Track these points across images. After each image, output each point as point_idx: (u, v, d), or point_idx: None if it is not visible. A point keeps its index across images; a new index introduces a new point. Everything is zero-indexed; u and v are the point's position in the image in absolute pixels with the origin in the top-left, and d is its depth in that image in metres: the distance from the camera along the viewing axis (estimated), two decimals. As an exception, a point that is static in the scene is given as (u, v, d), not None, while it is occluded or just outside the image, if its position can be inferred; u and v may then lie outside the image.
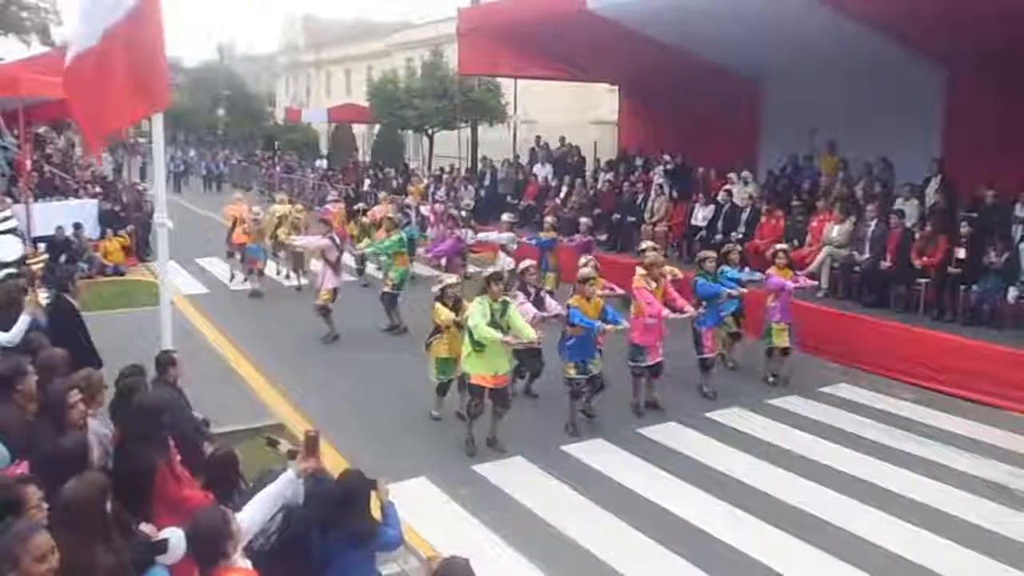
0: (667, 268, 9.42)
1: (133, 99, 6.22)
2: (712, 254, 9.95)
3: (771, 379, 10.14)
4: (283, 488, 4.12)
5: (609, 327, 8.22)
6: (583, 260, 9.90)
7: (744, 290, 9.74)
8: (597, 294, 8.60)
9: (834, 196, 13.73)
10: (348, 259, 14.35)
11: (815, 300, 11.77)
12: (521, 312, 8.40)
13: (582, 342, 8.39)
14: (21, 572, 2.98)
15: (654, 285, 8.96)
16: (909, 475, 7.67)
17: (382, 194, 19.99)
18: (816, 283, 11.13)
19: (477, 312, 7.68)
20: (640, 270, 9.12)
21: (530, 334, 7.82)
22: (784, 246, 10.83)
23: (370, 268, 16.72)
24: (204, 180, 38.22)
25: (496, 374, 7.85)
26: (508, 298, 7.99)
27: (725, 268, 9.93)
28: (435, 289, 8.69)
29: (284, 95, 54.90)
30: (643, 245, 10.38)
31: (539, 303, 8.83)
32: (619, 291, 9.66)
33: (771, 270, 10.14)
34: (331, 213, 17.70)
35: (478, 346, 7.76)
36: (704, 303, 9.43)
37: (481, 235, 14.24)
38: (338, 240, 12.51)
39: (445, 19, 28.44)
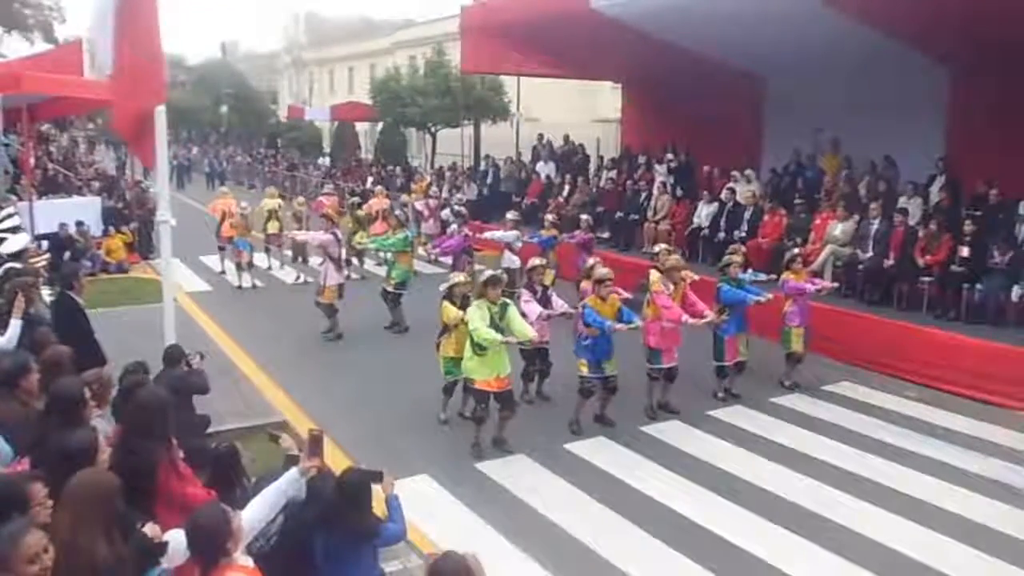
0: (686, 272, 9.25)
1: (133, 95, 6.28)
2: (737, 259, 9.74)
3: (787, 383, 10.05)
4: (286, 487, 4.12)
5: (621, 326, 8.15)
6: (591, 262, 9.85)
7: (771, 296, 9.57)
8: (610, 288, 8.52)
9: (837, 194, 13.73)
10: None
11: (818, 298, 11.72)
12: (528, 311, 8.38)
13: (598, 342, 8.32)
14: (12, 573, 2.97)
15: (672, 288, 8.87)
16: (912, 473, 7.67)
17: (378, 188, 20.06)
18: (835, 284, 10.90)
19: (476, 315, 7.65)
20: (654, 273, 9.03)
21: (530, 334, 7.81)
22: (799, 250, 10.71)
23: (369, 264, 16.75)
24: (207, 177, 38.25)
25: (499, 377, 7.81)
26: (507, 300, 7.96)
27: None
28: (443, 287, 8.67)
29: (287, 93, 54.94)
30: (657, 248, 10.24)
31: (546, 301, 8.81)
32: (625, 294, 9.58)
33: (787, 275, 9.95)
34: (324, 205, 17.84)
35: (479, 349, 7.72)
36: (728, 310, 9.36)
37: (486, 233, 14.24)
38: (341, 236, 12.51)
39: (448, 17, 28.42)
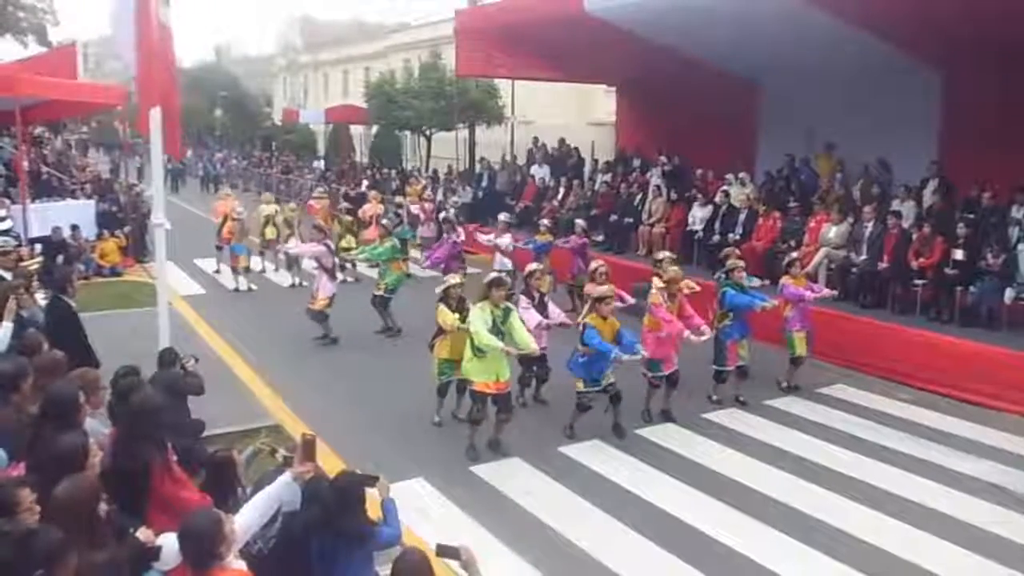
0: (684, 283, 9.16)
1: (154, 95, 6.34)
2: (741, 263, 9.69)
3: (784, 385, 10.06)
4: (279, 491, 4.11)
5: (625, 357, 8.01)
6: (594, 264, 9.82)
7: (776, 303, 9.56)
8: (612, 307, 8.46)
9: (832, 197, 13.76)
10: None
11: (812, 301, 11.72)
12: (526, 318, 8.38)
13: (594, 360, 8.22)
14: None
15: (671, 302, 8.83)
16: (906, 476, 7.69)
17: (372, 192, 20.08)
18: (834, 292, 10.75)
19: (478, 318, 7.65)
20: (657, 282, 8.98)
21: (531, 345, 7.80)
22: (797, 254, 10.64)
23: (362, 267, 16.75)
24: (201, 181, 38.19)
25: (498, 380, 7.79)
26: (511, 305, 7.95)
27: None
28: (438, 290, 8.68)
29: (281, 96, 54.90)
30: (661, 255, 10.14)
31: (542, 308, 8.81)
32: (630, 300, 9.49)
33: (785, 279, 9.95)
34: (314, 209, 17.91)
35: (479, 351, 7.71)
36: (731, 314, 9.35)
37: (484, 238, 14.23)
38: (333, 246, 12.52)
39: (443, 20, 28.46)
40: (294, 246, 14.03)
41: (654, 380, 9.00)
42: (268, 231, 16.96)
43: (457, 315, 8.30)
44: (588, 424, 8.68)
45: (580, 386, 8.36)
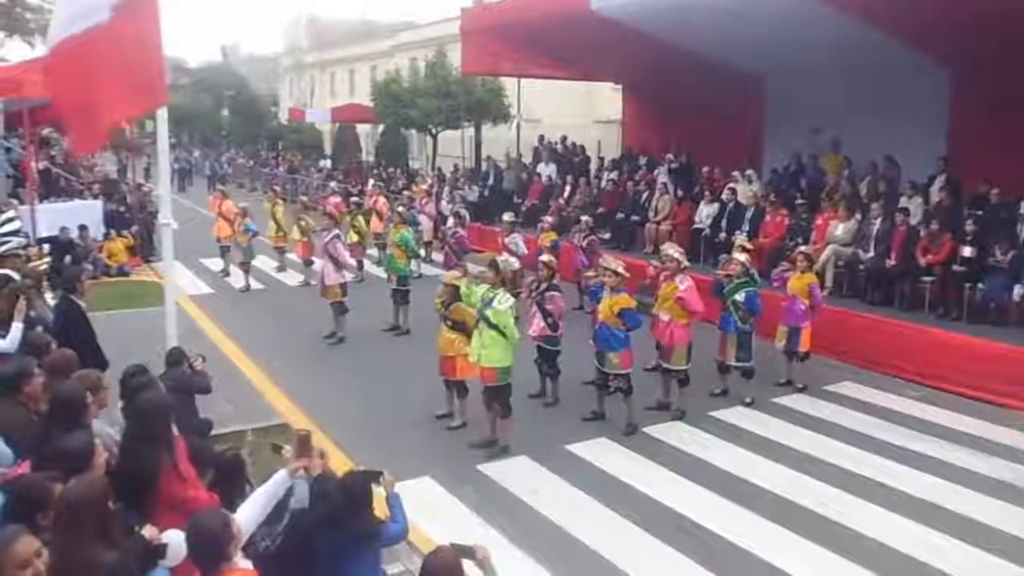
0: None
1: (128, 96, 6.20)
2: (741, 256, 9.60)
3: (782, 381, 10.06)
4: (275, 488, 4.12)
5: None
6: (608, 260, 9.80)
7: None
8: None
9: (839, 194, 13.72)
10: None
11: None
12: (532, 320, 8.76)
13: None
14: None
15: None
16: (914, 473, 7.66)
17: (371, 181, 20.14)
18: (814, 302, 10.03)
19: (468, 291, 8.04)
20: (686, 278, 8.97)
21: (504, 320, 7.73)
22: (806, 249, 10.56)
23: (367, 264, 16.80)
24: (208, 180, 38.29)
25: (484, 366, 7.80)
26: (504, 294, 7.94)
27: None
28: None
29: (288, 95, 54.98)
30: (667, 249, 9.93)
31: (552, 288, 9.08)
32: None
33: (789, 273, 9.93)
34: (334, 215, 17.96)
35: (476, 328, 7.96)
36: (724, 309, 9.45)
37: (509, 243, 14.08)
38: (342, 236, 12.55)
39: (449, 19, 28.42)
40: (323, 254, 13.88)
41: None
42: (272, 228, 17.08)
43: (438, 301, 8.62)
44: (596, 421, 8.72)
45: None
